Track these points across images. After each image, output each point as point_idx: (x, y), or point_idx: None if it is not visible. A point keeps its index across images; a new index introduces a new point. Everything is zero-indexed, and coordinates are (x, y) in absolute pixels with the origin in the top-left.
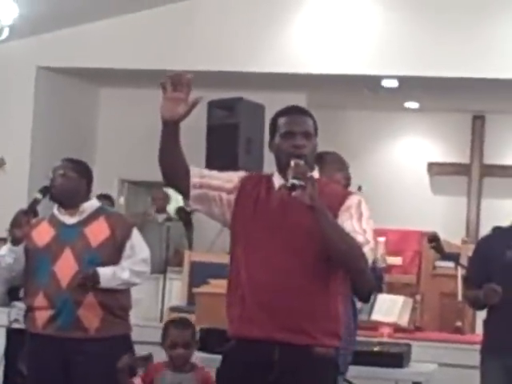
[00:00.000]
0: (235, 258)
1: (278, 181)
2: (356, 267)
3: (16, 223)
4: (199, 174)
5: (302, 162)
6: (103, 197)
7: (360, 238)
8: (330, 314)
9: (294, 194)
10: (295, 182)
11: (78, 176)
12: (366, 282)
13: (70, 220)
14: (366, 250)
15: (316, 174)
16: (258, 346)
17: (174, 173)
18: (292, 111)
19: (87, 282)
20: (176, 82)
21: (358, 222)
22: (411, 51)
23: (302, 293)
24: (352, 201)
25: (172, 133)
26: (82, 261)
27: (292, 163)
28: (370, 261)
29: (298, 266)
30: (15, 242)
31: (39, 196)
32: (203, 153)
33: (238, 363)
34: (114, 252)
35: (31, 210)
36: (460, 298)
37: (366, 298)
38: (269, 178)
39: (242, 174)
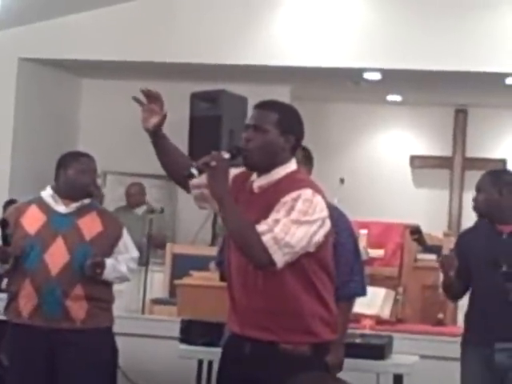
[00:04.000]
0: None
1: (254, 178)
2: (255, 259)
3: (3, 257)
4: None
5: (217, 153)
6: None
7: (261, 228)
8: (290, 311)
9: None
10: (192, 170)
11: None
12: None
13: (63, 209)
14: (266, 238)
15: (286, 169)
16: (235, 340)
17: (176, 174)
18: (257, 105)
19: (96, 271)
20: (149, 95)
21: (278, 213)
22: (394, 44)
23: (258, 291)
24: (291, 195)
25: (157, 140)
26: (73, 251)
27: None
28: (273, 250)
29: (251, 264)
30: (4, 261)
31: (3, 232)
32: (186, 144)
33: (223, 355)
34: (106, 247)
35: (5, 243)
36: (440, 290)
37: None
38: (247, 174)
39: (235, 171)
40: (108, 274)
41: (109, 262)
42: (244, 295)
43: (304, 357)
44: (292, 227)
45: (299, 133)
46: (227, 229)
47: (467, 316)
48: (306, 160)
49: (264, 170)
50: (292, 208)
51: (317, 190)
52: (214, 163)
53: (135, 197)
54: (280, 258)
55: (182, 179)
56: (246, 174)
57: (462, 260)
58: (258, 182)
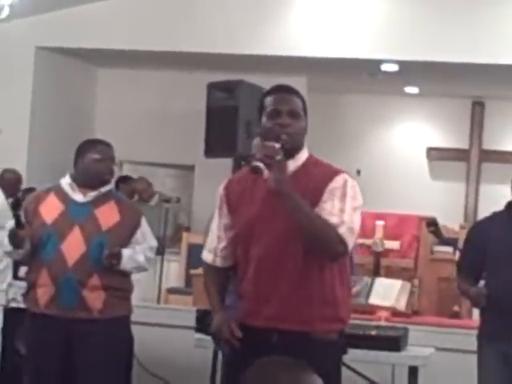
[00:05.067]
0: (238, 248)
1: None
2: (332, 251)
3: (15, 242)
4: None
5: (276, 145)
6: (123, 179)
7: (334, 220)
8: (327, 300)
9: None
10: (258, 164)
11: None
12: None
13: (80, 198)
14: (343, 230)
15: (304, 154)
16: (255, 333)
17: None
18: (279, 90)
19: (112, 261)
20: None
21: (338, 202)
22: (412, 36)
23: (297, 283)
24: (338, 182)
25: None
26: (90, 242)
27: (263, 144)
28: (349, 240)
29: (289, 254)
30: (17, 245)
31: (17, 212)
32: (203, 135)
33: (241, 346)
34: (123, 237)
35: (19, 226)
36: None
37: None
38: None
39: (222, 185)
40: (125, 264)
41: (126, 252)
42: (278, 288)
43: (332, 342)
44: (353, 214)
45: None
46: (299, 222)
47: (483, 309)
48: None
49: (292, 155)
50: (344, 195)
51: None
52: (279, 157)
53: (145, 192)
54: (351, 246)
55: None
56: (247, 175)
57: (475, 251)
58: None
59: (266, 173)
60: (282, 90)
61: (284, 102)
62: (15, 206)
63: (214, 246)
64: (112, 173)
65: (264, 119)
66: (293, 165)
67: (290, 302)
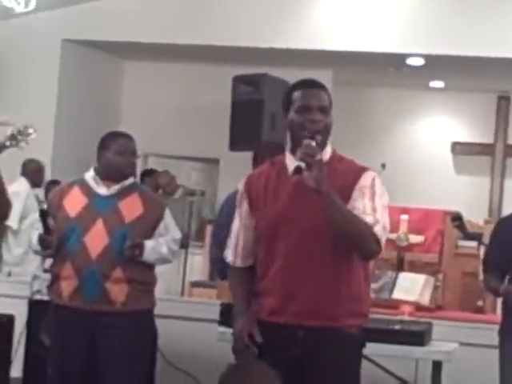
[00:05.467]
0: (260, 245)
1: (291, 163)
2: (367, 249)
3: (45, 245)
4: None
5: (313, 143)
6: (148, 172)
7: (369, 219)
8: (354, 296)
9: (296, 177)
10: (301, 164)
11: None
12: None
13: (105, 191)
14: (378, 229)
15: (329, 150)
16: (279, 329)
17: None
18: (308, 84)
19: (135, 252)
20: None
21: (369, 201)
22: (437, 30)
23: (325, 277)
24: (366, 180)
25: None
26: (113, 235)
27: (304, 143)
28: (383, 239)
29: (318, 250)
30: (46, 248)
31: (44, 222)
32: (227, 128)
33: (266, 343)
34: (146, 230)
35: (47, 232)
36: (481, 277)
37: None
38: (280, 161)
39: (242, 182)
40: (148, 255)
41: (149, 243)
42: (307, 285)
43: (355, 336)
44: (384, 213)
45: None
46: (337, 221)
47: (504, 304)
48: None
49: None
50: (374, 193)
51: None
52: (319, 156)
53: (168, 186)
54: (383, 245)
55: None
56: (269, 170)
57: (501, 247)
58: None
59: (290, 167)
60: (310, 85)
61: (314, 98)
62: (44, 214)
63: (233, 246)
64: (133, 166)
65: (292, 114)
66: None
67: (318, 298)
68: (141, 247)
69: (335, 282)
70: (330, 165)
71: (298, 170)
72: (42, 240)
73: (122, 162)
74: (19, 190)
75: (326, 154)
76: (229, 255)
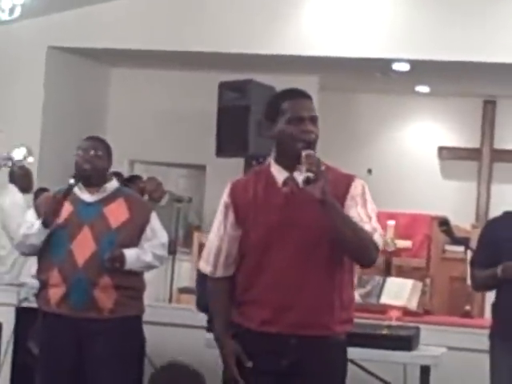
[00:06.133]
0: (247, 256)
1: (278, 173)
2: (369, 257)
3: (52, 209)
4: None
5: (313, 153)
6: (131, 179)
7: (368, 227)
8: (344, 303)
9: (307, 187)
10: (310, 175)
11: (107, 155)
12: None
13: (89, 198)
14: (376, 237)
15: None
16: (275, 336)
17: None
18: (297, 95)
19: (114, 264)
20: None
21: (362, 209)
22: (423, 35)
23: (321, 289)
24: (357, 189)
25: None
26: (100, 241)
27: (303, 154)
28: (381, 245)
29: (314, 262)
30: (47, 225)
31: (73, 182)
32: (214, 134)
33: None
34: (132, 234)
35: (65, 197)
36: (469, 281)
37: None
38: (265, 171)
39: (226, 192)
40: (131, 264)
41: (130, 253)
42: (302, 296)
43: (343, 342)
44: (377, 219)
45: None
46: (342, 231)
47: (495, 307)
48: None
49: None
50: (365, 201)
51: None
52: (323, 167)
53: (155, 192)
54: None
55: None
56: (255, 181)
57: (489, 248)
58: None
59: (278, 177)
60: (300, 95)
61: (305, 109)
62: (76, 177)
63: (213, 257)
64: (90, 163)
65: (282, 125)
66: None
67: (314, 309)
68: (121, 258)
69: (330, 292)
70: None
71: (307, 181)
72: (53, 205)
73: (79, 160)
74: (17, 200)
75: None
76: (207, 266)
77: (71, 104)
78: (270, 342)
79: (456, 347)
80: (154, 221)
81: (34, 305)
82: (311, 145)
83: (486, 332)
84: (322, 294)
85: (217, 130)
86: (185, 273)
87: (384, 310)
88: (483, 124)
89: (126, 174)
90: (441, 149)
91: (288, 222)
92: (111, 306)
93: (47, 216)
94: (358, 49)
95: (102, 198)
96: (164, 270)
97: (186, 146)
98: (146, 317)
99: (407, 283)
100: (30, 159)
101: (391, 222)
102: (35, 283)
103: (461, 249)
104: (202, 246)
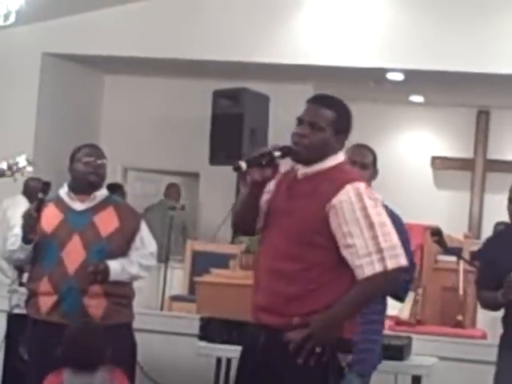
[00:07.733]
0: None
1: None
2: (385, 291)
3: (28, 227)
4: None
5: (266, 150)
6: (114, 186)
7: (365, 261)
8: (309, 299)
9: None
10: (241, 163)
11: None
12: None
13: (79, 206)
14: (378, 266)
15: (329, 163)
16: (249, 328)
17: (245, 223)
18: (314, 100)
19: (97, 276)
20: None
21: (368, 232)
22: (417, 45)
23: (282, 276)
24: (341, 196)
25: (257, 192)
26: (90, 249)
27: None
28: (394, 258)
29: (283, 249)
30: (27, 241)
31: (42, 196)
32: (207, 142)
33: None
34: (122, 243)
35: (38, 211)
36: (461, 291)
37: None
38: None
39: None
40: (116, 276)
41: (115, 265)
42: (270, 281)
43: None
44: (383, 228)
45: (349, 131)
46: (354, 312)
47: (505, 319)
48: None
49: (312, 163)
50: (365, 217)
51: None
52: (264, 162)
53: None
54: (403, 257)
55: (250, 231)
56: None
57: (491, 269)
58: (303, 169)
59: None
60: (315, 101)
61: (308, 113)
62: (44, 190)
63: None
64: (97, 173)
65: None
66: (311, 169)
67: (273, 296)
68: (105, 272)
69: (290, 282)
70: (329, 172)
71: (236, 168)
72: (29, 222)
73: (83, 169)
74: None
75: (328, 163)
76: None
77: (65, 110)
78: (248, 335)
79: (448, 357)
80: (144, 229)
81: (26, 311)
82: (296, 145)
83: (478, 342)
84: (280, 282)
85: (210, 138)
86: (177, 281)
87: None
88: (477, 134)
89: (119, 181)
90: (434, 158)
91: (279, 210)
92: (102, 313)
93: (25, 233)
94: (352, 58)
95: (92, 206)
96: (156, 277)
97: (180, 153)
98: (137, 324)
99: None
100: (30, 169)
101: None
102: (24, 290)
103: (453, 259)
104: (195, 254)
